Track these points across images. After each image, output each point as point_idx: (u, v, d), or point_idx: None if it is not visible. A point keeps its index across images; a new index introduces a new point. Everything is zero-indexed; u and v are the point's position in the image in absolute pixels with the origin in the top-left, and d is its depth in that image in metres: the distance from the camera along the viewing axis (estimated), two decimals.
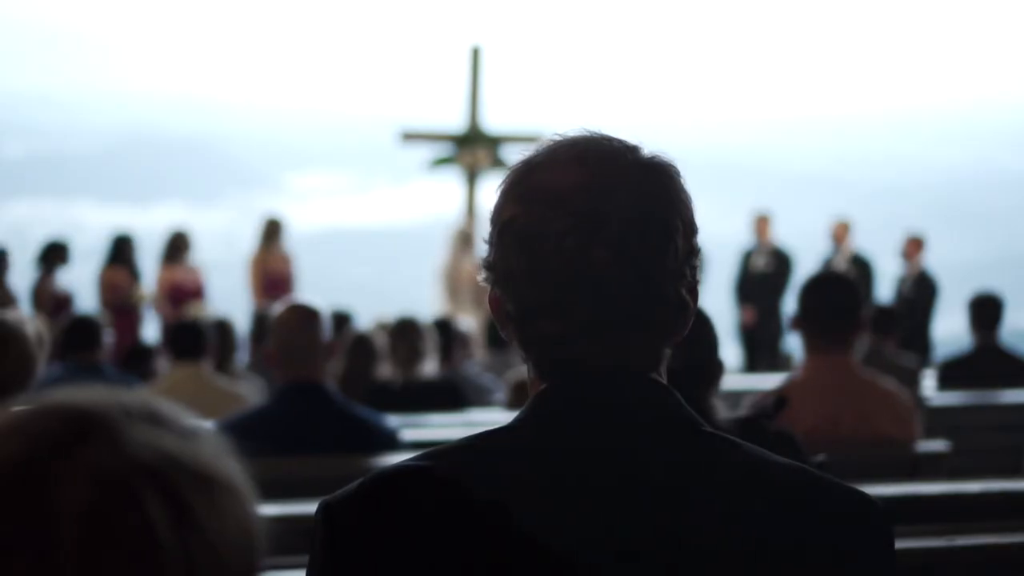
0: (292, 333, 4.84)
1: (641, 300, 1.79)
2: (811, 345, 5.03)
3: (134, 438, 1.11)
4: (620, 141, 1.86)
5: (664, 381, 1.83)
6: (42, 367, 4.82)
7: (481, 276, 1.88)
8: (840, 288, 5.12)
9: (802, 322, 5.04)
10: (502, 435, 1.83)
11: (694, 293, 1.85)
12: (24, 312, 7.56)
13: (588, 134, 1.87)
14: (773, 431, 3.07)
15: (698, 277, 1.86)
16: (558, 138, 1.87)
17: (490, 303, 1.87)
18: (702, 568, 1.70)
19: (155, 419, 1.14)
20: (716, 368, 3.14)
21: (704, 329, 3.12)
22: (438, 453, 1.81)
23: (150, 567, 1.07)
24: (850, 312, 4.97)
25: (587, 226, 1.77)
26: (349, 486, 1.79)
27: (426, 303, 15.37)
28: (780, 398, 3.21)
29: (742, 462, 1.78)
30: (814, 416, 4.85)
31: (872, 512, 1.78)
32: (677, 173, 1.85)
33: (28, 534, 1.05)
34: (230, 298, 15.08)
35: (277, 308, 5.44)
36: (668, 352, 1.85)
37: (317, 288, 12.92)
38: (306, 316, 4.88)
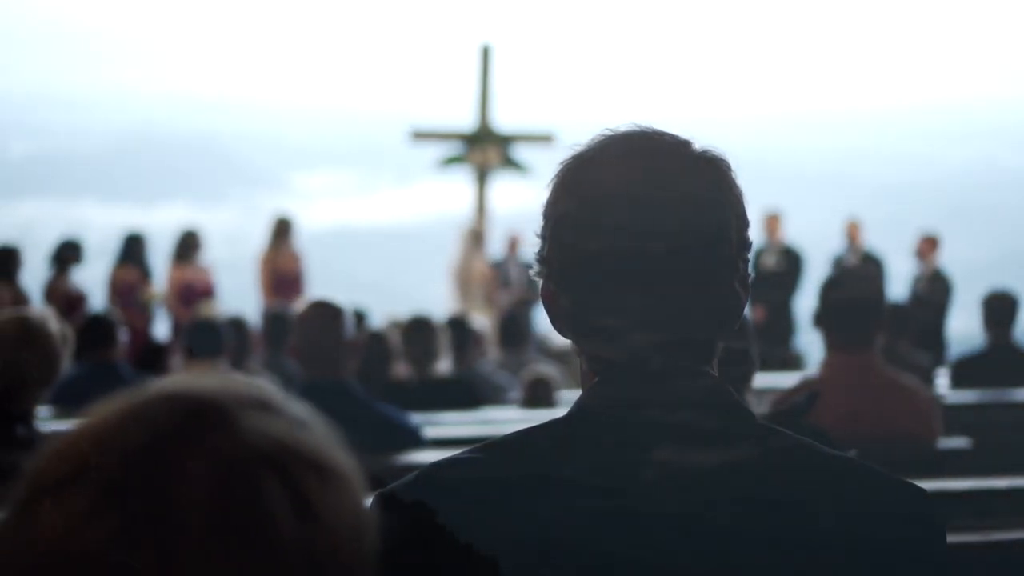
0: (316, 331, 4.85)
1: (695, 294, 1.80)
2: (832, 342, 5.03)
3: (250, 425, 1.11)
4: (672, 135, 1.87)
5: (716, 374, 1.84)
6: (66, 364, 4.83)
7: (533, 270, 1.89)
8: (862, 285, 5.11)
9: (823, 319, 5.04)
10: (556, 427, 1.83)
11: (746, 286, 1.86)
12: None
13: (639, 129, 1.87)
14: (807, 427, 3.07)
15: (749, 271, 1.87)
16: (609, 133, 1.87)
17: (542, 297, 1.88)
18: (759, 558, 1.70)
19: (267, 407, 1.14)
20: (750, 364, 3.15)
21: (739, 325, 3.13)
22: (491, 445, 1.82)
23: (271, 553, 1.07)
24: (872, 309, 4.97)
25: (642, 221, 1.78)
26: (406, 477, 1.80)
27: (434, 302, 15.36)
28: (812, 393, 3.22)
29: (797, 454, 1.79)
30: (835, 413, 4.85)
31: (926, 505, 1.79)
32: (729, 167, 1.86)
33: (151, 522, 1.05)
34: (236, 297, 15.09)
35: (298, 306, 5.45)
36: (721, 346, 1.86)
37: (323, 287, 12.93)
38: (330, 314, 4.89)
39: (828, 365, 5.02)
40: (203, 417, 1.10)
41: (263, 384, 1.17)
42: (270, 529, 1.07)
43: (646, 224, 1.78)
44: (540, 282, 1.88)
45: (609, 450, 1.76)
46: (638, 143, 1.85)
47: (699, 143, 1.87)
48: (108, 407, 1.12)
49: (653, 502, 1.72)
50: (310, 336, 4.87)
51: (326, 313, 4.90)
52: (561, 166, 1.86)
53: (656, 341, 1.80)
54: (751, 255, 1.91)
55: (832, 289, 5.04)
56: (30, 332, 4.47)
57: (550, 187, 1.86)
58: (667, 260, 1.78)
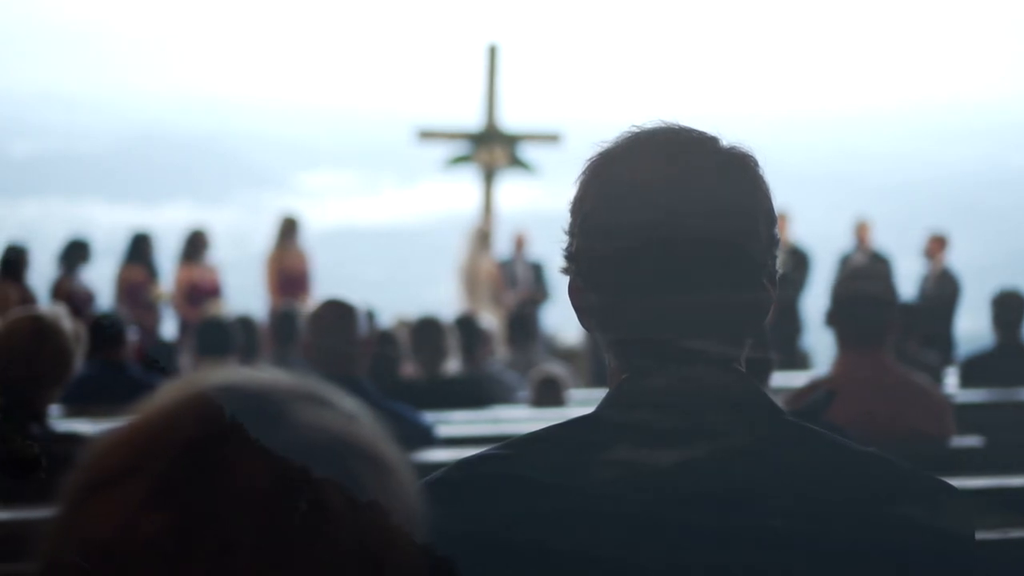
0: (330, 329, 4.86)
1: (725, 290, 1.80)
2: (845, 341, 5.02)
3: (303, 419, 1.11)
4: (699, 131, 1.87)
5: (744, 370, 1.84)
6: (79, 363, 4.83)
7: (561, 266, 1.89)
8: (875, 283, 5.10)
9: (836, 317, 5.03)
10: (584, 424, 1.84)
11: (774, 283, 1.86)
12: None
13: (666, 125, 1.87)
14: (825, 425, 3.07)
15: (778, 267, 1.87)
16: (635, 129, 1.87)
17: (570, 293, 1.88)
18: (789, 552, 1.70)
19: (318, 400, 1.14)
20: (768, 363, 3.15)
21: None
22: (520, 442, 1.83)
23: (328, 546, 1.07)
24: (885, 307, 4.96)
25: (671, 217, 1.78)
26: (435, 473, 1.80)
27: (440, 302, 15.36)
28: (829, 392, 3.21)
29: (825, 449, 1.79)
30: (849, 412, 4.83)
31: (957, 500, 1.79)
32: (756, 163, 1.86)
33: (207, 516, 1.05)
34: (241, 296, 15.09)
35: (305, 305, 5.45)
36: (749, 342, 1.86)
37: (328, 287, 12.93)
38: (344, 312, 4.90)
39: (840, 364, 5.01)
40: (258, 410, 1.10)
41: (310, 379, 1.17)
42: (327, 521, 1.07)
43: (675, 220, 1.78)
44: (568, 278, 1.88)
45: (636, 446, 1.76)
46: (666, 139, 1.85)
47: (727, 139, 1.87)
48: (160, 401, 1.12)
49: (680, 498, 1.72)
50: (324, 334, 4.88)
51: (340, 311, 4.92)
52: (588, 162, 1.87)
53: (685, 337, 1.80)
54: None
55: (845, 287, 5.03)
56: (44, 331, 4.47)
57: (577, 183, 1.86)
58: (696, 256, 1.78)
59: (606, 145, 1.86)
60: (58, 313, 4.63)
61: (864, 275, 5.50)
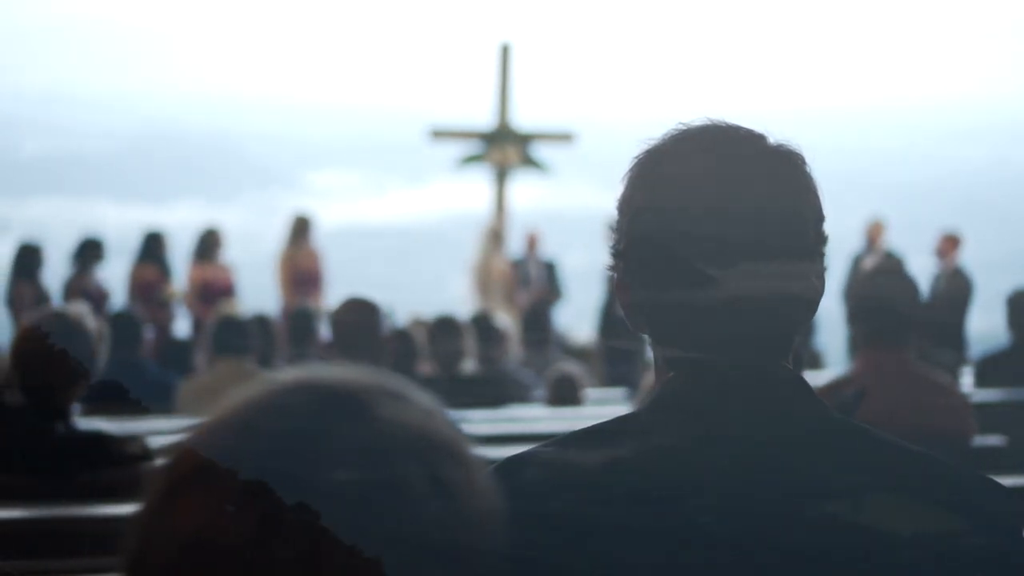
0: (353, 327, 4.88)
1: (774, 287, 1.80)
2: (865, 339, 5.01)
3: (386, 413, 1.12)
4: (747, 129, 1.87)
5: (792, 367, 1.84)
6: (102, 361, 4.84)
7: (607, 263, 1.89)
8: (897, 281, 5.09)
9: (858, 316, 5.01)
10: (629, 422, 1.84)
11: (822, 280, 1.86)
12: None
13: (713, 122, 1.87)
14: None
15: (825, 264, 1.87)
16: (682, 127, 1.87)
17: (617, 291, 1.88)
18: (844, 551, 1.70)
19: (398, 395, 1.15)
20: (798, 362, 3.14)
21: None
22: (562, 441, 1.83)
23: (415, 537, 1.08)
24: (909, 305, 4.94)
25: (718, 215, 1.78)
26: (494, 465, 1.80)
27: (450, 301, 15.36)
28: (859, 391, 3.21)
29: (877, 447, 1.79)
30: (872, 411, 4.82)
31: (1010, 500, 1.79)
32: (804, 160, 1.86)
33: (295, 512, 1.06)
34: (252, 295, 15.08)
35: (316, 303, 5.47)
36: (797, 340, 1.86)
37: (338, 286, 12.94)
38: (367, 310, 4.92)
39: (863, 363, 4.99)
40: (342, 406, 1.11)
41: (385, 374, 1.18)
42: (413, 514, 1.08)
43: (723, 218, 1.78)
44: (614, 276, 1.88)
45: (684, 444, 1.76)
46: (713, 136, 1.85)
47: (774, 136, 1.88)
48: (242, 397, 1.13)
49: (730, 495, 1.72)
50: (348, 332, 4.90)
51: (363, 309, 4.94)
52: (636, 160, 1.87)
53: (734, 335, 1.80)
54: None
55: (867, 285, 5.03)
56: (68, 329, 4.48)
57: (625, 181, 1.86)
58: (745, 254, 1.78)
59: (654, 142, 1.86)
60: (82, 311, 4.64)
61: (887, 272, 5.49)
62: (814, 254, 1.83)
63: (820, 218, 1.85)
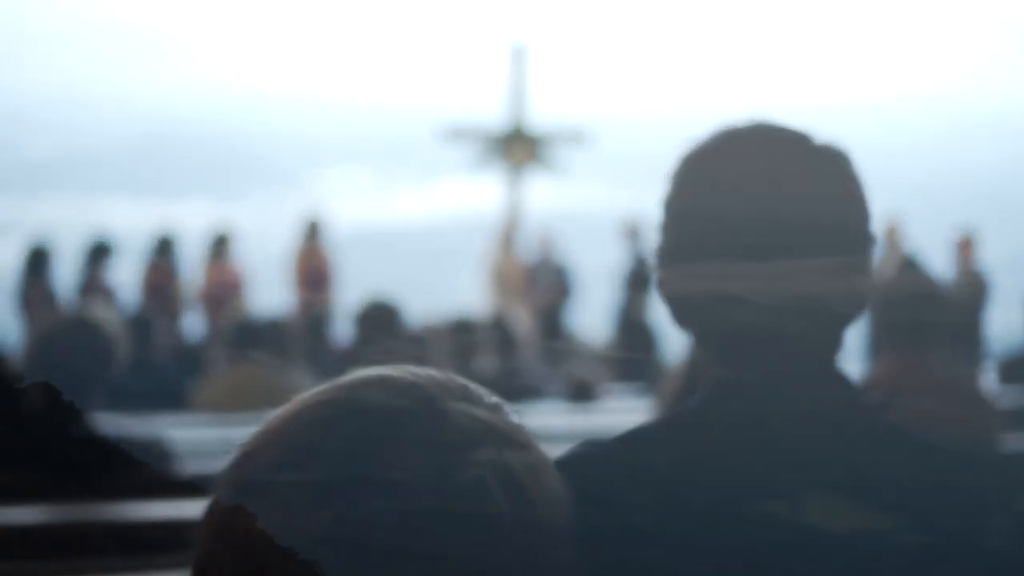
0: (374, 328, 4.88)
1: (820, 287, 1.79)
2: (889, 341, 4.99)
3: (457, 411, 1.13)
4: (791, 130, 1.88)
5: (840, 367, 1.84)
6: (122, 363, 4.83)
7: (653, 261, 1.89)
8: (920, 283, 5.08)
9: (881, 318, 4.99)
10: (678, 419, 1.84)
11: (871, 278, 1.86)
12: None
13: (758, 123, 1.87)
14: None
15: (872, 264, 1.87)
16: (727, 127, 1.87)
17: (661, 287, 1.87)
18: (890, 551, 1.69)
19: (465, 393, 1.16)
20: None
21: None
22: (616, 439, 1.82)
23: (490, 533, 1.09)
24: (932, 308, 4.93)
25: (764, 215, 1.78)
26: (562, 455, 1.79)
27: (462, 301, 15.37)
28: (890, 393, 3.19)
29: (921, 446, 1.80)
30: (898, 413, 4.80)
31: None
32: (849, 160, 1.87)
33: (369, 511, 1.05)
34: (260, 295, 15.11)
35: (337, 305, 5.47)
36: (845, 340, 1.86)
37: (348, 286, 12.95)
38: (388, 312, 4.93)
39: (888, 364, 4.96)
40: (413, 405, 1.11)
41: (451, 372, 1.18)
42: (488, 510, 1.09)
43: (769, 218, 1.78)
44: (658, 273, 1.87)
45: (732, 441, 1.76)
46: (759, 136, 1.86)
47: (819, 136, 1.87)
48: (310, 396, 1.12)
49: (780, 492, 1.71)
50: (369, 333, 4.90)
51: (385, 311, 4.94)
52: (682, 160, 1.87)
53: (782, 333, 1.79)
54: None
55: (891, 288, 5.01)
56: (88, 331, 4.47)
57: (671, 180, 1.86)
58: (790, 255, 1.77)
59: (699, 143, 1.86)
60: (102, 313, 4.63)
61: (911, 276, 5.48)
62: (862, 253, 1.82)
63: (867, 218, 1.85)
